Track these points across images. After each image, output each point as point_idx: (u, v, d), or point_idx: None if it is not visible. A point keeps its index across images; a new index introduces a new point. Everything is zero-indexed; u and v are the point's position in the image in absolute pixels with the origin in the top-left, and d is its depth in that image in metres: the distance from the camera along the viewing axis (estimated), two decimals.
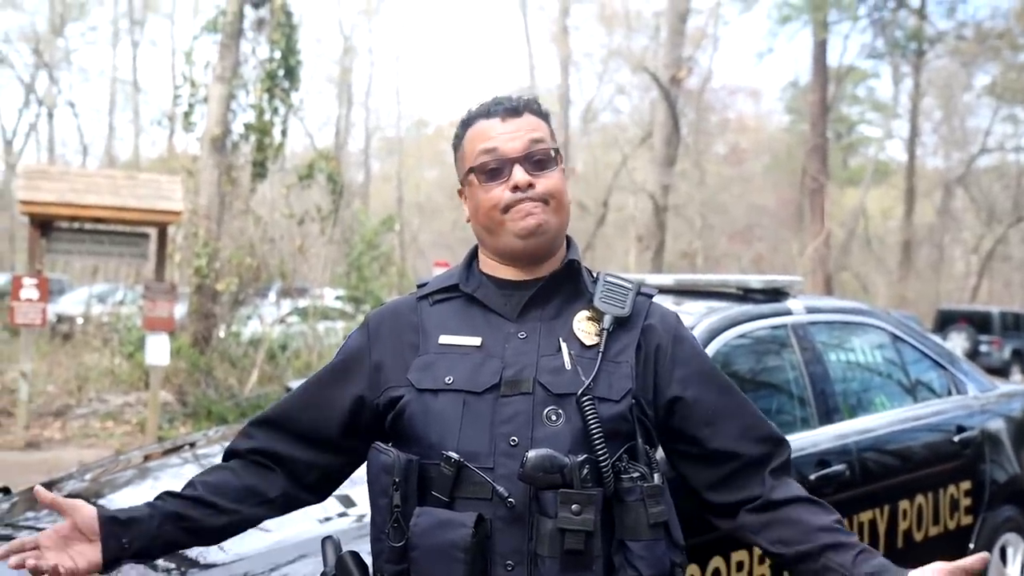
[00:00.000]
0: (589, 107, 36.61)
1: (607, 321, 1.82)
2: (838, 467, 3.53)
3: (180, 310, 12.46)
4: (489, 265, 1.90)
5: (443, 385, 1.77)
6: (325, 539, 1.87)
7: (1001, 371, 21.65)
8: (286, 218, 13.51)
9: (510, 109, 1.85)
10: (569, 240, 1.93)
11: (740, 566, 3.14)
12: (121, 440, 9.57)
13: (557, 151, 1.87)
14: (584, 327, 1.83)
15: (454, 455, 1.70)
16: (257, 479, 1.92)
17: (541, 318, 1.83)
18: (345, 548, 1.89)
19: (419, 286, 1.95)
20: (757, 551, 3.18)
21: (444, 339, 1.83)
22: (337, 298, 15.49)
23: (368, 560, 1.84)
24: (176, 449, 4.03)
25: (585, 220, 32.46)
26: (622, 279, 1.90)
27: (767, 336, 3.77)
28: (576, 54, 35.80)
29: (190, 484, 1.90)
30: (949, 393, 4.49)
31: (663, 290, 4.08)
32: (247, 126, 12.59)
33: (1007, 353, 23.79)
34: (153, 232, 10.70)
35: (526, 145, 1.82)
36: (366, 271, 14.65)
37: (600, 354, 1.78)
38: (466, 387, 1.76)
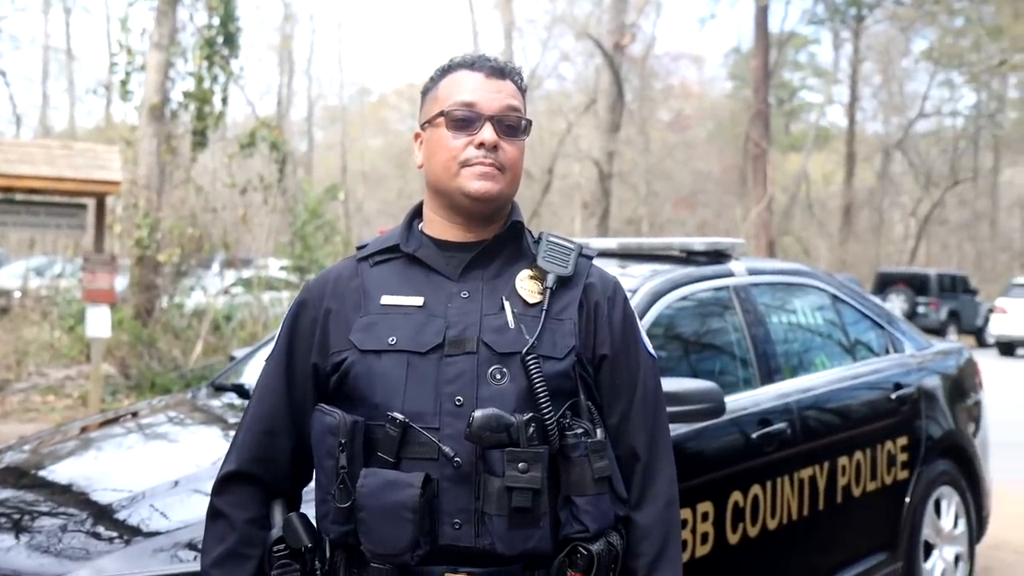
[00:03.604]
0: (533, 74, 36.48)
1: (550, 280, 1.82)
2: (779, 425, 3.60)
3: (121, 282, 12.28)
4: (432, 225, 1.88)
5: (386, 346, 1.76)
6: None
7: (938, 331, 22.10)
8: (228, 188, 13.33)
9: (496, 69, 1.85)
10: (513, 204, 1.92)
11: (683, 524, 3.19)
12: (63, 414, 9.45)
13: (528, 123, 1.87)
14: (527, 286, 1.83)
15: (399, 416, 1.70)
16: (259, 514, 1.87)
17: (483, 277, 1.82)
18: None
19: (359, 248, 1.93)
20: (702, 509, 3.24)
21: (386, 299, 1.81)
22: (282, 268, 15.36)
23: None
24: (119, 419, 3.99)
25: (531, 187, 32.43)
26: (564, 240, 1.90)
27: (709, 298, 3.81)
28: (520, 20, 35.73)
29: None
30: (887, 352, 4.59)
31: (607, 254, 4.12)
32: (186, 94, 12.39)
33: (944, 314, 24.28)
34: (91, 203, 10.51)
35: (503, 107, 1.82)
36: (311, 240, 14.52)
37: (544, 312, 1.79)
38: (409, 347, 1.75)
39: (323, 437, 1.76)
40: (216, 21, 12.31)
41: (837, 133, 38.71)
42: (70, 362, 11.26)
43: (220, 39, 12.35)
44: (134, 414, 4.02)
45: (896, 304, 23.60)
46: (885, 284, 25.00)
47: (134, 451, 3.62)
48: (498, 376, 1.74)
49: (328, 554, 1.79)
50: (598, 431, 1.76)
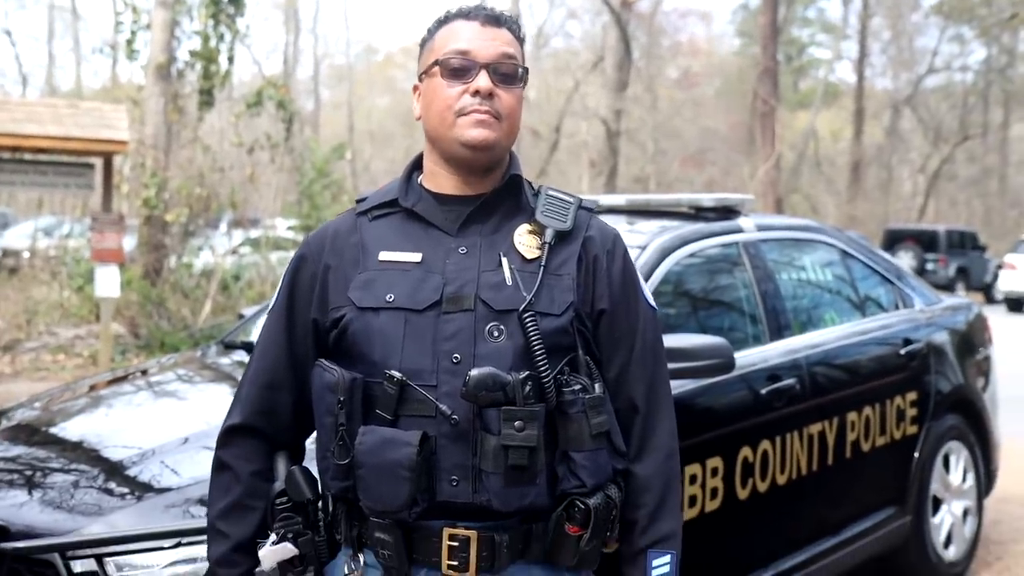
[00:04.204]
0: (540, 32, 36.23)
1: (548, 235, 1.80)
2: (789, 381, 3.60)
3: (129, 242, 12.30)
4: (431, 178, 1.87)
5: (384, 303, 1.75)
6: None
7: (947, 287, 22.07)
8: (235, 147, 13.30)
9: (491, 17, 1.83)
10: (512, 155, 1.90)
11: (693, 479, 3.20)
12: (73, 373, 9.49)
13: (526, 70, 1.85)
14: (525, 240, 1.81)
15: (397, 374, 1.70)
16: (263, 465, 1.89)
17: (482, 232, 1.81)
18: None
19: (358, 201, 1.92)
20: (712, 464, 3.25)
21: (384, 255, 1.80)
22: (289, 227, 15.35)
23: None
24: (128, 376, 4.00)
25: (538, 146, 32.31)
26: (564, 193, 1.88)
27: (718, 254, 3.80)
28: None
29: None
30: (896, 307, 4.57)
31: (615, 210, 4.10)
32: (192, 53, 12.31)
33: (952, 270, 24.25)
34: (98, 162, 10.49)
35: (498, 55, 1.79)
36: (318, 199, 14.51)
37: (542, 267, 1.77)
38: (407, 304, 1.74)
39: (322, 394, 1.76)
40: None
41: (846, 89, 38.43)
42: (79, 321, 11.31)
43: None
44: (144, 372, 4.04)
45: (905, 261, 23.52)
46: (893, 241, 24.94)
47: (144, 408, 3.63)
48: (495, 333, 1.73)
49: (330, 507, 1.81)
50: (596, 386, 1.76)
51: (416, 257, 1.79)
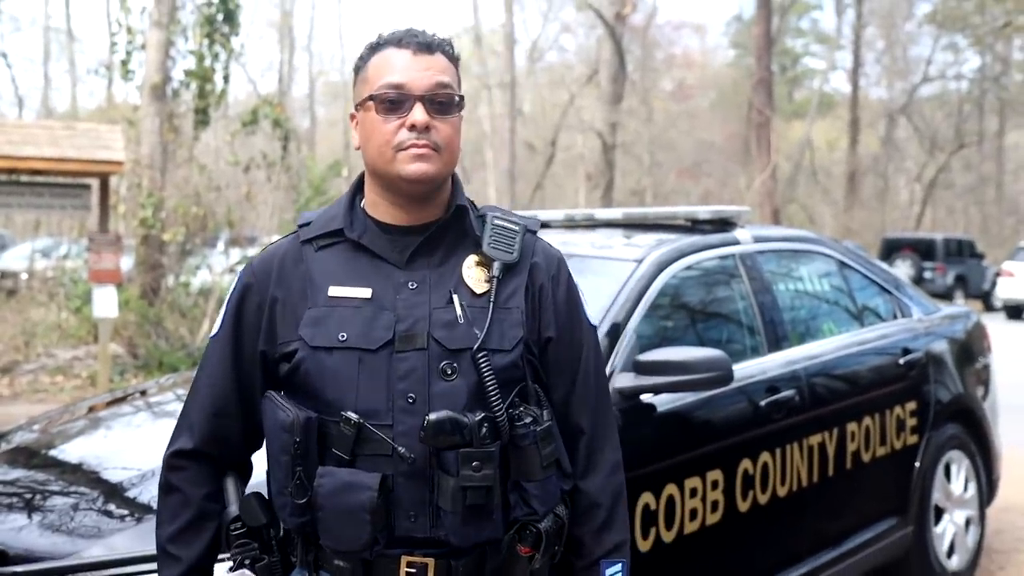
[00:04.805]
0: (535, 46, 36.36)
1: (496, 268, 1.80)
2: (788, 392, 3.59)
3: (127, 262, 12.29)
4: (375, 206, 1.84)
5: (336, 343, 1.74)
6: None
7: (945, 295, 22.08)
8: (231, 165, 13.31)
9: (423, 44, 1.79)
10: (455, 180, 1.87)
11: (693, 492, 3.19)
12: (72, 394, 9.47)
13: (461, 98, 1.82)
14: (474, 274, 1.80)
15: (353, 416, 1.70)
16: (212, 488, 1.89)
17: (429, 265, 1.80)
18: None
19: (301, 225, 1.88)
20: (712, 477, 3.24)
21: (333, 291, 1.78)
22: None
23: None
24: (127, 397, 3.99)
25: (534, 160, 32.38)
26: (509, 220, 1.86)
27: (715, 266, 3.80)
28: None
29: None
30: (894, 317, 4.57)
31: (612, 224, 4.11)
32: (187, 73, 12.34)
33: (950, 279, 24.23)
34: (94, 183, 10.49)
35: (432, 85, 1.77)
36: None
37: (491, 303, 1.77)
38: (361, 344, 1.73)
39: (277, 433, 1.75)
40: None
41: (841, 99, 38.49)
42: (78, 342, 11.29)
43: (220, 16, 12.29)
44: (143, 392, 4.02)
45: (902, 270, 23.54)
46: (891, 250, 24.93)
47: (143, 429, 3.62)
48: (448, 371, 1.73)
49: (285, 532, 1.82)
50: (545, 413, 1.78)
51: (366, 293, 1.77)
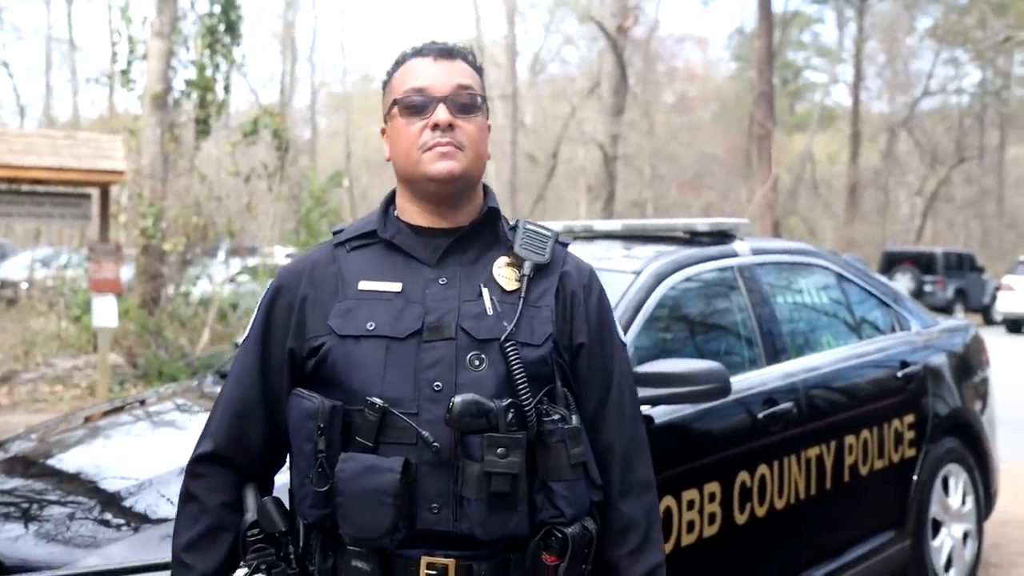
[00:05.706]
0: (536, 58, 36.42)
1: (527, 267, 1.83)
2: (785, 405, 3.59)
3: (127, 272, 12.30)
4: (407, 212, 1.88)
5: (365, 331, 1.77)
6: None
7: (945, 309, 22.10)
8: (232, 176, 13.33)
9: (444, 51, 1.86)
10: (487, 189, 1.93)
11: (691, 504, 3.19)
12: (71, 404, 9.47)
13: (484, 99, 1.87)
14: (504, 273, 1.83)
15: (378, 401, 1.71)
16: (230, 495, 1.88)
17: (461, 263, 1.83)
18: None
19: (334, 232, 1.93)
20: (709, 489, 3.24)
21: (364, 285, 1.82)
22: (287, 256, 15.35)
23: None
24: (126, 407, 3.99)
25: (535, 172, 32.40)
26: (541, 227, 1.90)
27: (714, 278, 3.80)
28: (522, 4, 35.58)
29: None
30: (893, 330, 4.57)
31: (611, 235, 4.11)
32: (188, 83, 12.37)
33: (950, 292, 24.23)
34: (95, 193, 10.51)
35: (453, 87, 1.82)
36: (315, 228, 14.49)
37: (521, 299, 1.80)
38: (389, 332, 1.76)
39: (301, 421, 1.76)
40: (217, 9, 12.28)
41: (842, 113, 38.53)
42: (77, 352, 11.29)
43: (222, 27, 12.32)
44: (141, 402, 4.02)
45: (902, 283, 23.54)
46: (891, 263, 24.95)
47: (142, 439, 3.62)
48: (476, 362, 1.74)
49: (303, 538, 1.80)
50: (573, 417, 1.78)
51: (396, 287, 1.80)
